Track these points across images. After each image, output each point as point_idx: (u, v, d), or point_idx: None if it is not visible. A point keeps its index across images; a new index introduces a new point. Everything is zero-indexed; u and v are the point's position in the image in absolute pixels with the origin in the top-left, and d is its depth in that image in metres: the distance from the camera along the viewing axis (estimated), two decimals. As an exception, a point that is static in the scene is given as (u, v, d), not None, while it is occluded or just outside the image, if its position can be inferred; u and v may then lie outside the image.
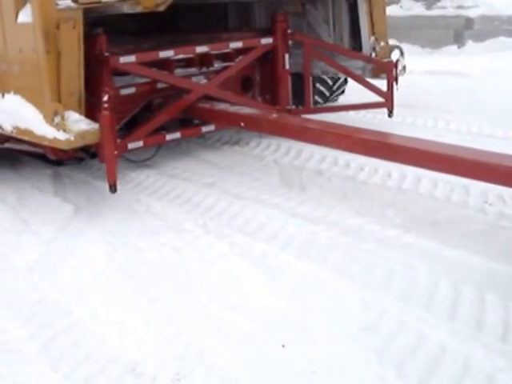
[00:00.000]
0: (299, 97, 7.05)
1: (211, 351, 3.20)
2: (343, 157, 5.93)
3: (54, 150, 5.78)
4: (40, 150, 6.03)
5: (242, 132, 6.87)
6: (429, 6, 15.14)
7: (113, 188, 5.13)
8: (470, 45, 13.33)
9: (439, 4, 15.05)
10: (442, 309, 3.42)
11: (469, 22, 13.52)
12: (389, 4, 15.97)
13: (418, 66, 10.26)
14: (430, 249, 4.12)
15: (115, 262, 4.26)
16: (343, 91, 8.45)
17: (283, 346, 3.20)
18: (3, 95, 5.33)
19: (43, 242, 4.69)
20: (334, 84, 8.14)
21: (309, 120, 5.66)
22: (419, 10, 15.15)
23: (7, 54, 5.17)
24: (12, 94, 5.24)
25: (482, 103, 8.08)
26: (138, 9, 5.12)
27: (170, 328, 3.44)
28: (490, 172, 3.83)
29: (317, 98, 8.04)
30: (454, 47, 13.44)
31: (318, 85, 8.03)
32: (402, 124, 7.36)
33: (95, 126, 4.93)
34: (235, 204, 5.20)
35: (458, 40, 13.55)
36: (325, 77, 7.88)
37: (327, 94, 8.23)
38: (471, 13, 13.99)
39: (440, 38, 13.49)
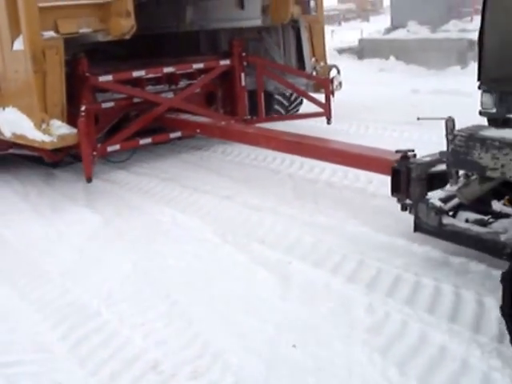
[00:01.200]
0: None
1: (227, 351, 3.42)
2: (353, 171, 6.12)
3: (47, 153, 7.12)
4: (36, 154, 7.38)
5: (259, 149, 7.08)
6: (433, 30, 16.00)
7: (89, 180, 6.44)
8: (473, 66, 13.58)
9: (443, 28, 15.88)
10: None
11: (472, 44, 13.59)
12: (396, 28, 16.85)
13: (424, 85, 11.41)
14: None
15: (140, 269, 4.52)
16: (301, 102, 9.49)
17: (294, 345, 3.44)
18: (4, 108, 6.71)
19: (75, 250, 5.03)
20: (290, 97, 9.26)
21: (248, 126, 7.01)
22: (425, 33, 15.88)
23: (6, 75, 6.56)
24: (10, 107, 6.62)
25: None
26: (109, 37, 6.48)
27: (189, 329, 3.66)
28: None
29: (278, 108, 9.19)
30: (458, 68, 13.88)
31: (279, 98, 9.20)
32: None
33: (74, 130, 6.26)
34: (253, 215, 5.50)
35: (462, 61, 14.00)
36: (284, 91, 9.06)
37: (287, 105, 9.34)
38: (474, 36, 14.31)
39: (444, 59, 14.03)
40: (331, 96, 8.11)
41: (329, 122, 8.16)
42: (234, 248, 4.76)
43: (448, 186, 3.63)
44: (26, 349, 3.66)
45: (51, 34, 6.10)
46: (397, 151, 4.40)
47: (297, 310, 3.78)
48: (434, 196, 3.83)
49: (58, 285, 4.42)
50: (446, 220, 3.74)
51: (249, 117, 8.29)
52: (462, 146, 3.19)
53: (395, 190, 4.33)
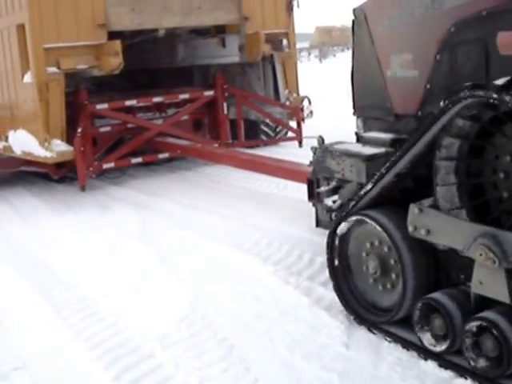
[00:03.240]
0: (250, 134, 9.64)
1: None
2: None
3: (52, 169, 8.44)
4: (43, 170, 8.69)
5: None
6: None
7: (82, 188, 7.71)
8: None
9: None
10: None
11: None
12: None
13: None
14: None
15: (197, 310, 4.32)
16: (286, 132, 10.61)
17: None
18: (15, 131, 8.04)
19: (130, 288, 4.83)
20: (275, 125, 10.36)
21: (218, 148, 8.29)
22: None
23: (17, 103, 7.90)
24: (21, 129, 7.95)
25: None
26: (102, 72, 7.77)
27: (247, 376, 3.47)
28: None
29: (263, 136, 10.29)
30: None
31: (263, 128, 10.34)
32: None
33: (71, 148, 7.55)
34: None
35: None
36: (267, 121, 10.13)
37: (271, 133, 10.44)
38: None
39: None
40: (302, 123, 9.30)
41: (300, 144, 9.33)
42: (297, 289, 4.52)
43: (321, 188, 4.71)
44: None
45: (54, 69, 7.41)
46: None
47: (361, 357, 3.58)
48: (328, 198, 4.92)
49: (111, 323, 4.28)
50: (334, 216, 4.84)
51: (230, 141, 9.50)
52: (320, 157, 4.32)
53: (310, 195, 5.43)
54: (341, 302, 3.90)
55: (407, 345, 3.47)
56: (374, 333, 3.61)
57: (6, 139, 8.22)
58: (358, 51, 4.58)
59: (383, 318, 3.62)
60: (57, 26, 7.33)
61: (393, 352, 3.52)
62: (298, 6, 9.26)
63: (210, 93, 9.27)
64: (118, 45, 7.52)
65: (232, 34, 9.17)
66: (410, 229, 3.32)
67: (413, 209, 3.30)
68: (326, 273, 4.07)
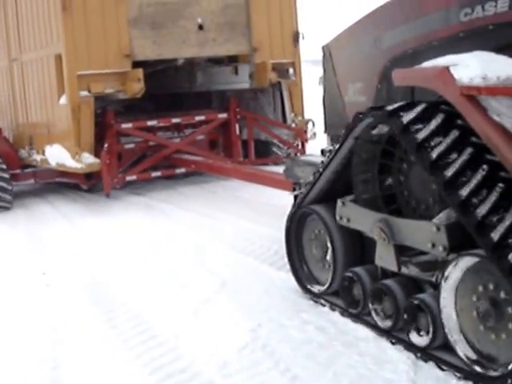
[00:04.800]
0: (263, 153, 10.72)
1: None
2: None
3: (82, 180, 9.62)
4: (75, 181, 9.89)
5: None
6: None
7: (107, 195, 8.85)
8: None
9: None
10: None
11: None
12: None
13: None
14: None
15: (259, 338, 4.20)
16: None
17: None
18: (51, 145, 9.26)
19: (189, 313, 4.75)
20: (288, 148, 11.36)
21: (226, 163, 9.35)
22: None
23: (54, 122, 9.14)
24: (56, 144, 9.16)
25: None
26: (127, 96, 8.96)
27: None
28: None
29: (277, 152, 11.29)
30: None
31: (275, 149, 11.37)
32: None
33: (98, 160, 8.70)
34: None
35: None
36: (279, 144, 11.16)
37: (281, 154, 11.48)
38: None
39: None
40: (306, 143, 10.35)
41: (302, 163, 10.36)
42: (359, 321, 4.32)
43: (295, 192, 5.71)
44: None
45: (85, 93, 8.62)
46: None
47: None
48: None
49: (170, 348, 4.21)
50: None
51: (241, 159, 10.58)
52: (290, 166, 5.39)
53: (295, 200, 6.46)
54: (295, 278, 4.88)
55: (335, 307, 4.45)
56: (442, 369, 3.58)
57: (43, 153, 9.45)
58: (326, 80, 5.65)
59: (323, 290, 4.60)
60: (88, 56, 8.57)
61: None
62: (303, 38, 10.35)
63: (223, 115, 10.38)
64: (140, 72, 8.70)
65: (243, 63, 10.30)
66: (338, 218, 4.34)
67: (339, 203, 4.33)
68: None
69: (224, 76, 10.84)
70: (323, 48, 5.61)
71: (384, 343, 3.94)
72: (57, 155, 9.12)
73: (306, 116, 10.66)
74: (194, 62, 10.80)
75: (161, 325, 4.57)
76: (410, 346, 3.74)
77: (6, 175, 9.28)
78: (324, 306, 4.57)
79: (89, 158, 8.68)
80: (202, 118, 10.23)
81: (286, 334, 4.23)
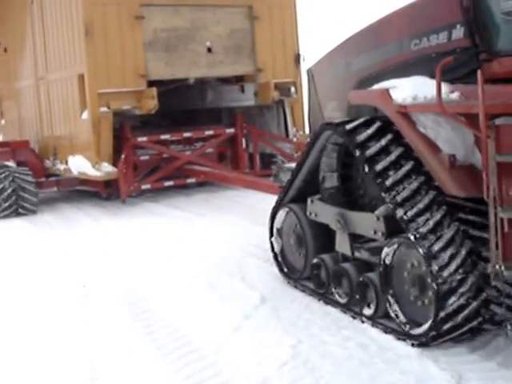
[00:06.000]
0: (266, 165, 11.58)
1: None
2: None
3: (101, 188, 10.59)
4: (95, 189, 10.86)
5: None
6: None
7: (123, 201, 9.79)
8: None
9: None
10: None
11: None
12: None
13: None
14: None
15: (299, 354, 4.19)
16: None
17: None
18: (74, 156, 10.25)
19: (229, 328, 4.73)
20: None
21: (229, 173, 10.26)
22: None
23: (76, 134, 10.14)
24: (78, 155, 10.15)
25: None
26: (142, 112, 9.93)
27: None
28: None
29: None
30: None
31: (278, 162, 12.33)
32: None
33: (115, 169, 9.66)
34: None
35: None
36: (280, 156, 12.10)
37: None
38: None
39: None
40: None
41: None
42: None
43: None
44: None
45: (105, 109, 9.60)
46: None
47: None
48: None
49: (210, 363, 4.21)
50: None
51: (247, 170, 11.48)
52: (276, 172, 6.29)
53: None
54: (277, 266, 5.74)
55: (307, 289, 5.29)
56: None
57: (66, 163, 10.46)
58: (310, 98, 6.54)
59: (298, 275, 5.46)
60: (108, 76, 9.58)
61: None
62: (303, 60, 11.26)
63: (231, 130, 11.32)
64: (154, 91, 9.68)
65: (249, 82, 11.24)
66: (308, 213, 5.22)
67: (308, 200, 5.20)
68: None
69: (232, 94, 11.78)
70: (307, 71, 6.51)
71: (426, 360, 3.93)
72: (79, 164, 10.11)
73: (307, 131, 11.53)
74: (204, 81, 11.76)
75: (201, 339, 4.58)
76: (361, 316, 4.59)
77: (33, 182, 10.26)
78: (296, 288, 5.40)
79: (107, 167, 9.65)
80: (211, 132, 11.17)
81: (326, 350, 4.23)
